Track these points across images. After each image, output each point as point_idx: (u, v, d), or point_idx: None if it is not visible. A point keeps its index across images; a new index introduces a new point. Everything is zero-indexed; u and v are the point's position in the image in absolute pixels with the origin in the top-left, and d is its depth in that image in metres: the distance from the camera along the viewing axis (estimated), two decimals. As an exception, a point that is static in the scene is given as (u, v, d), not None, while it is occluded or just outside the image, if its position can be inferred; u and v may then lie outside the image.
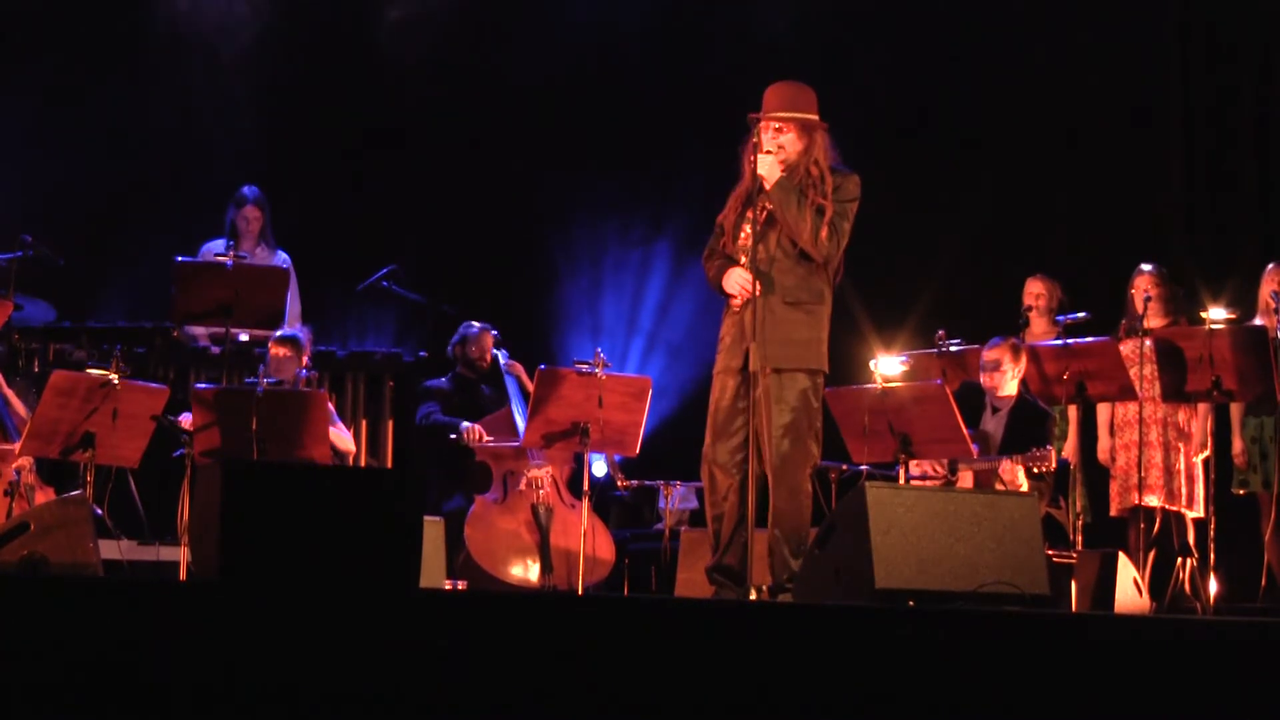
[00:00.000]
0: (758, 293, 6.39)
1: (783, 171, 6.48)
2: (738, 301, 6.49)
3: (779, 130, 6.53)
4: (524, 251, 10.81)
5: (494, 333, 9.04)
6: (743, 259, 6.48)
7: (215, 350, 8.84)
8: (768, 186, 6.44)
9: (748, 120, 6.60)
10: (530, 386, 8.28)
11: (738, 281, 6.45)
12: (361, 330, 10.30)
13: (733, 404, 6.49)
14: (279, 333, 8.40)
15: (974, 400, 7.90)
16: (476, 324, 9.03)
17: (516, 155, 10.63)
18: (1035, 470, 7.51)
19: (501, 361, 8.91)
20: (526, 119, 10.73)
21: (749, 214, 6.51)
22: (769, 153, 6.49)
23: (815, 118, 6.57)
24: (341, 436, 8.36)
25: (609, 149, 10.69)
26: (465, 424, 8.48)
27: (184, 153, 10.39)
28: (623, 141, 10.65)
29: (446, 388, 8.86)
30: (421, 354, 9.46)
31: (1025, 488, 7.49)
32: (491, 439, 8.43)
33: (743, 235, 6.52)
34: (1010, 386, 7.93)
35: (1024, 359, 7.95)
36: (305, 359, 8.46)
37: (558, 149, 10.67)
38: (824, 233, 6.45)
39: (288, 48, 10.65)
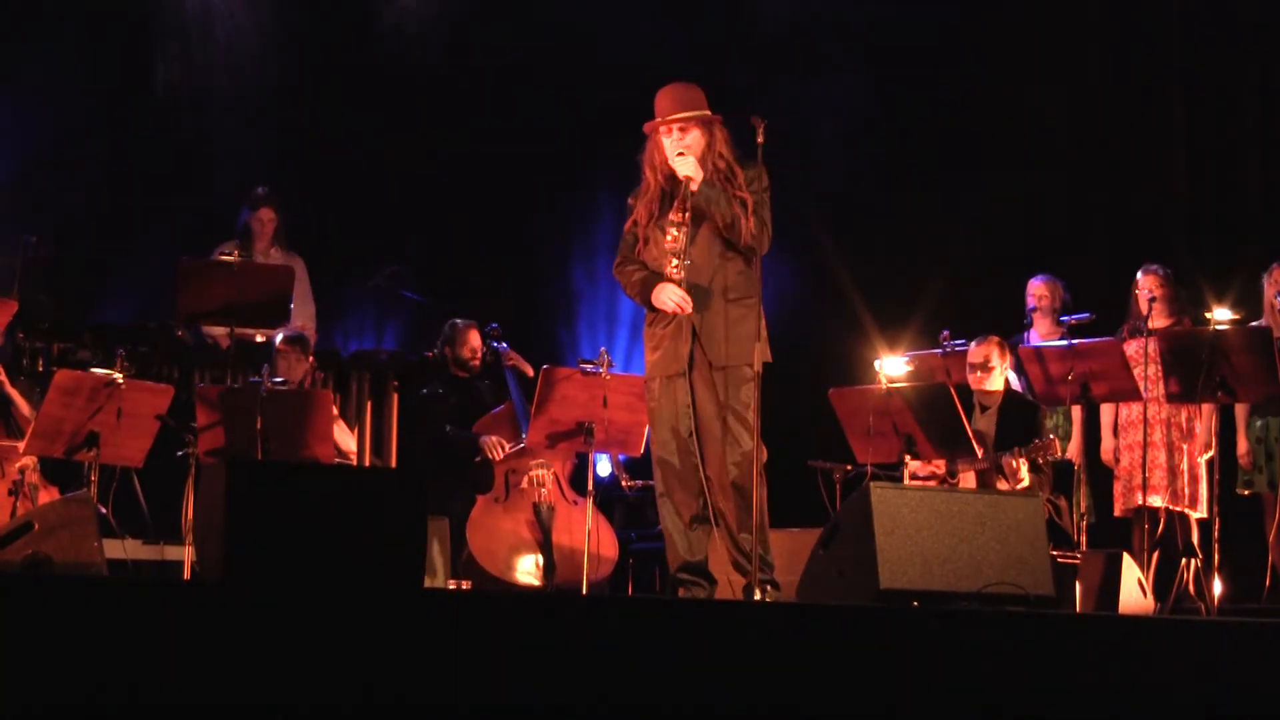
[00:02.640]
0: (688, 310, 6.33)
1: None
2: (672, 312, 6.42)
3: (683, 131, 6.44)
4: (523, 251, 10.80)
5: (493, 325, 9.02)
6: (673, 262, 6.40)
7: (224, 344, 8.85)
8: (694, 187, 6.36)
9: (644, 130, 6.51)
10: (530, 372, 8.28)
11: (672, 299, 6.34)
12: (365, 330, 10.30)
13: (681, 407, 6.43)
14: (286, 335, 8.38)
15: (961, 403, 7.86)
16: (459, 321, 9.01)
17: (513, 154, 10.63)
18: (1040, 460, 7.53)
19: (501, 353, 8.89)
20: (524, 117, 10.73)
21: (673, 217, 6.42)
22: (681, 154, 6.41)
23: (709, 113, 6.50)
24: (344, 438, 8.37)
25: (605, 148, 10.68)
26: (484, 438, 8.44)
27: (189, 151, 10.39)
28: (618, 141, 10.63)
29: (444, 394, 8.83)
30: (427, 354, 9.45)
31: (1027, 481, 7.51)
32: (510, 445, 8.40)
33: (669, 239, 6.41)
34: (997, 383, 7.96)
35: (1009, 355, 7.98)
36: (311, 358, 8.46)
37: (552, 147, 10.67)
38: (753, 224, 6.42)
39: (290, 46, 10.65)
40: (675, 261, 6.39)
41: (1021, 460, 7.51)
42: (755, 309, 6.46)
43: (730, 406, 6.35)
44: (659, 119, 6.49)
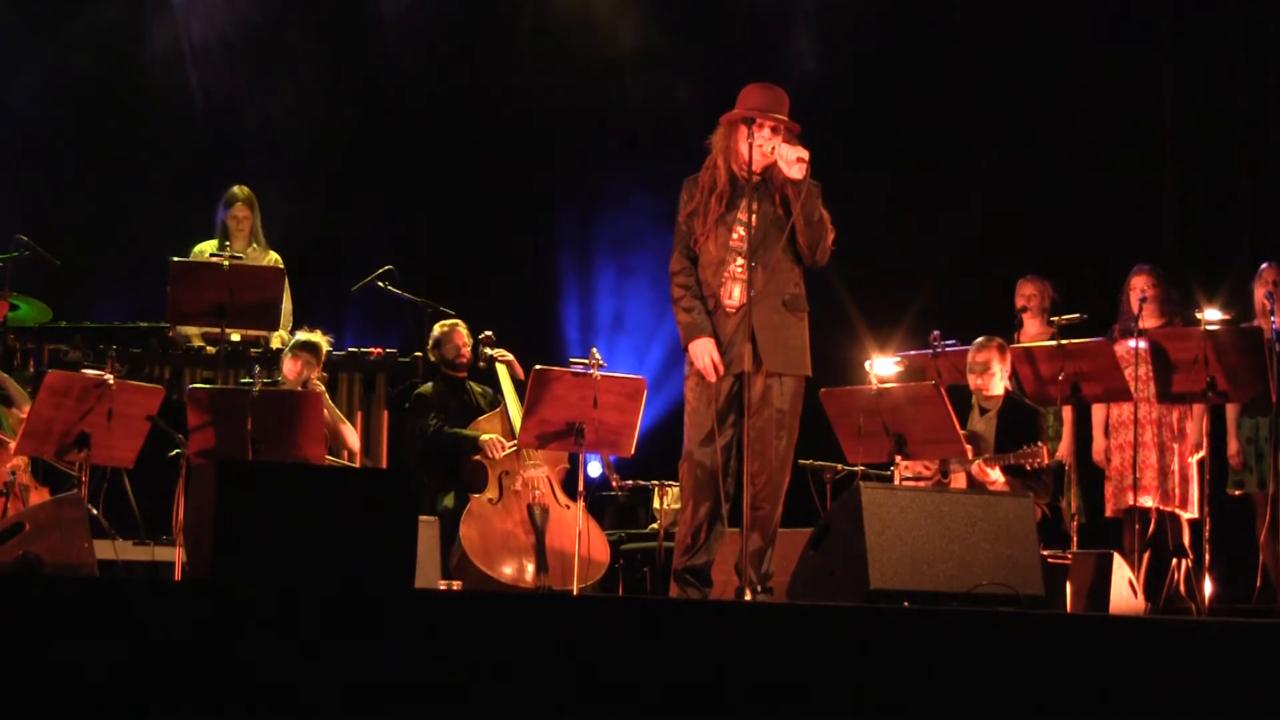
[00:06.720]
0: (713, 380, 6.35)
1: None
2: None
3: (774, 131, 6.40)
4: (517, 250, 10.81)
5: (486, 333, 9.01)
6: (738, 261, 6.39)
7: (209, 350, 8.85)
8: (799, 175, 6.27)
9: (721, 120, 6.47)
10: (522, 374, 8.27)
11: (705, 361, 6.36)
12: (355, 329, 10.29)
13: (725, 406, 6.44)
14: (300, 340, 8.37)
15: (958, 404, 7.86)
16: (441, 324, 8.99)
17: (507, 153, 10.63)
18: (1027, 467, 7.50)
19: (495, 358, 8.88)
20: (520, 117, 10.74)
21: (742, 216, 6.38)
22: (773, 148, 6.33)
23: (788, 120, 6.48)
24: (350, 435, 8.41)
25: (600, 148, 10.70)
26: (484, 439, 8.43)
27: (180, 151, 10.39)
28: (612, 140, 10.65)
29: (438, 393, 8.82)
30: (416, 354, 9.44)
31: (1002, 485, 7.49)
32: (509, 444, 8.39)
33: (735, 237, 6.41)
34: (998, 386, 7.92)
35: (1010, 358, 7.95)
36: (318, 368, 8.40)
37: (547, 149, 10.67)
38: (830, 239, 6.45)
39: (282, 45, 10.66)
40: (740, 261, 6.37)
41: (991, 467, 7.50)
42: (805, 320, 6.48)
43: (779, 411, 6.37)
44: (755, 110, 6.37)
